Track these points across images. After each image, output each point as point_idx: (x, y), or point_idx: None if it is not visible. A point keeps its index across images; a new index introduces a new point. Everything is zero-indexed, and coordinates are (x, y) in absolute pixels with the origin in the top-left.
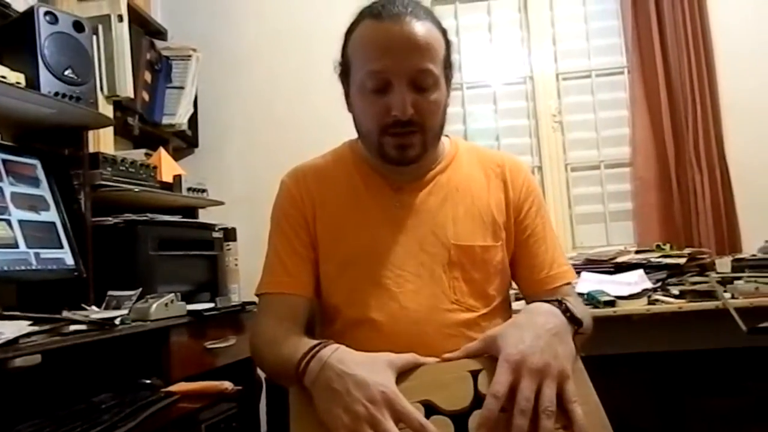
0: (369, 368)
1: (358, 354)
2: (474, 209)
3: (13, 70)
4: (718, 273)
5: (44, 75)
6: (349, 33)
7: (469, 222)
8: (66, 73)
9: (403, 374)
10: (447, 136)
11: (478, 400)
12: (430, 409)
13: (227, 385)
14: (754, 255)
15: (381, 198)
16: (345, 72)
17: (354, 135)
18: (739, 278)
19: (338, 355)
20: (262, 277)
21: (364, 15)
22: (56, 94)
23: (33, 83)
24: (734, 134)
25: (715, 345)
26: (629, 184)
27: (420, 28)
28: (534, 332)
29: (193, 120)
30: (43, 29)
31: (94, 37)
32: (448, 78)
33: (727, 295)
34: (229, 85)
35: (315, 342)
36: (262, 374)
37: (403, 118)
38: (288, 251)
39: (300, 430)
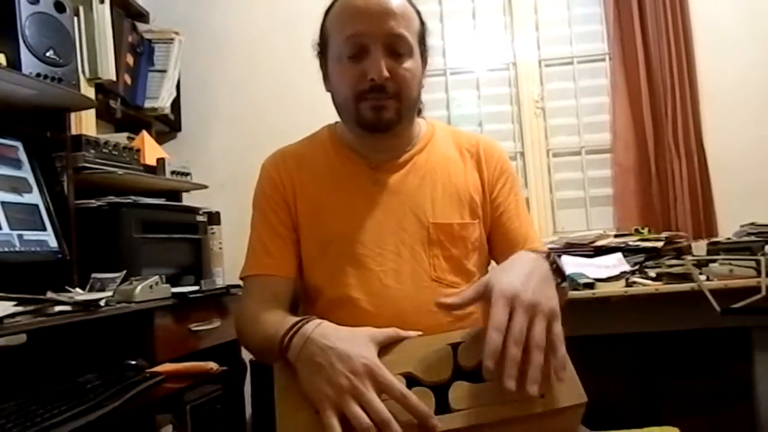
0: (351, 342)
1: (341, 328)
2: (451, 188)
3: None
4: (694, 256)
5: (26, 56)
6: (327, 12)
7: (447, 200)
8: (48, 54)
9: (385, 348)
10: (424, 118)
11: (457, 371)
12: (412, 381)
13: (212, 365)
14: (728, 238)
15: (360, 179)
16: (323, 50)
17: (335, 119)
18: (714, 261)
19: (321, 329)
20: (246, 260)
21: None
22: (38, 75)
23: (14, 64)
24: (712, 121)
25: (690, 326)
26: (609, 170)
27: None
28: (525, 273)
29: (176, 104)
30: (24, 9)
31: (75, 19)
32: (424, 55)
33: (702, 277)
34: (212, 69)
35: (298, 318)
36: (246, 357)
37: (379, 81)
38: (270, 234)
39: (284, 405)
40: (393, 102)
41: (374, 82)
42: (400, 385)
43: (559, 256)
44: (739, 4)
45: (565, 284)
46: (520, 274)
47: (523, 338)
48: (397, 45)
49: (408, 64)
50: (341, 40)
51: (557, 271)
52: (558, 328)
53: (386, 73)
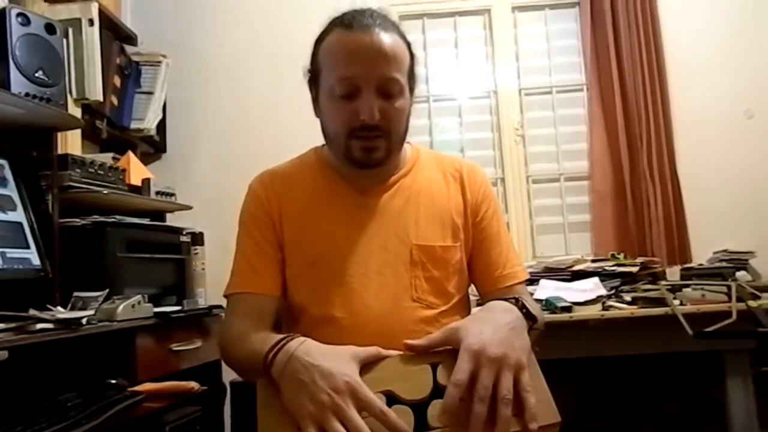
0: (334, 360)
1: (324, 346)
2: (434, 211)
3: None
4: (668, 281)
5: (15, 75)
6: (319, 41)
7: (430, 223)
8: (37, 74)
9: (366, 366)
10: (409, 143)
11: (436, 390)
12: (392, 399)
13: (193, 384)
14: (701, 264)
15: (345, 201)
16: (314, 78)
17: (322, 141)
18: (687, 286)
19: (304, 347)
20: (231, 277)
21: (334, 24)
22: (27, 94)
23: (3, 84)
24: (685, 148)
25: (665, 349)
26: (587, 197)
27: (388, 39)
28: (493, 326)
29: (162, 126)
30: (15, 30)
31: (65, 41)
32: (412, 88)
33: (676, 302)
34: (198, 91)
35: (281, 336)
36: (226, 379)
37: (370, 123)
38: (256, 252)
39: (266, 420)
40: (383, 141)
41: (365, 122)
42: (380, 402)
43: (538, 280)
44: (710, 35)
45: (537, 325)
46: (489, 327)
47: (489, 395)
48: (389, 87)
49: (399, 103)
50: (334, 79)
51: (528, 315)
52: (525, 379)
53: (377, 115)
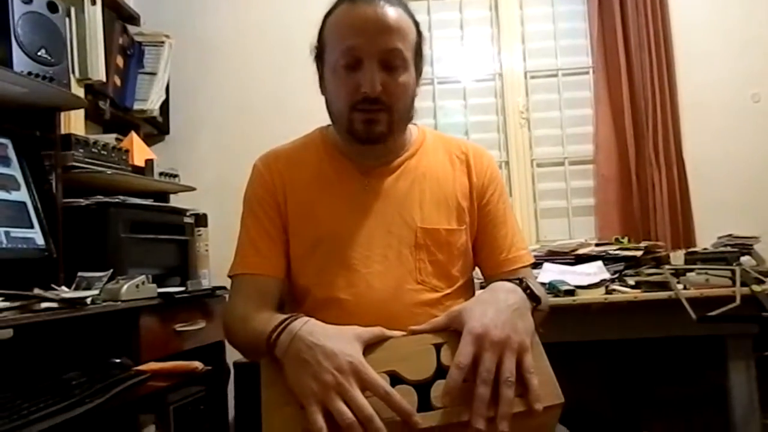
0: (337, 340)
1: (328, 326)
2: (440, 194)
3: None
4: (671, 265)
5: (17, 54)
6: (325, 18)
7: (435, 206)
8: (39, 53)
9: (370, 346)
10: (415, 124)
11: (440, 370)
12: (395, 379)
13: (197, 364)
14: (705, 249)
15: (350, 182)
16: (320, 55)
17: (325, 122)
18: (691, 270)
19: (308, 327)
20: (235, 258)
21: (341, 1)
22: (29, 73)
23: (6, 62)
24: (692, 133)
25: (667, 333)
26: (592, 180)
27: (392, 12)
28: (496, 308)
29: (165, 107)
30: (17, 8)
31: (67, 20)
32: (418, 67)
33: (680, 286)
34: (202, 72)
35: (285, 316)
36: (230, 360)
37: (371, 95)
38: (260, 233)
39: (270, 398)
40: (384, 115)
41: (367, 94)
42: (383, 382)
43: (541, 263)
44: (718, 19)
45: (541, 306)
46: (491, 309)
47: (492, 377)
48: (392, 59)
49: (402, 77)
50: (338, 51)
51: (532, 296)
52: (528, 360)
53: (379, 87)
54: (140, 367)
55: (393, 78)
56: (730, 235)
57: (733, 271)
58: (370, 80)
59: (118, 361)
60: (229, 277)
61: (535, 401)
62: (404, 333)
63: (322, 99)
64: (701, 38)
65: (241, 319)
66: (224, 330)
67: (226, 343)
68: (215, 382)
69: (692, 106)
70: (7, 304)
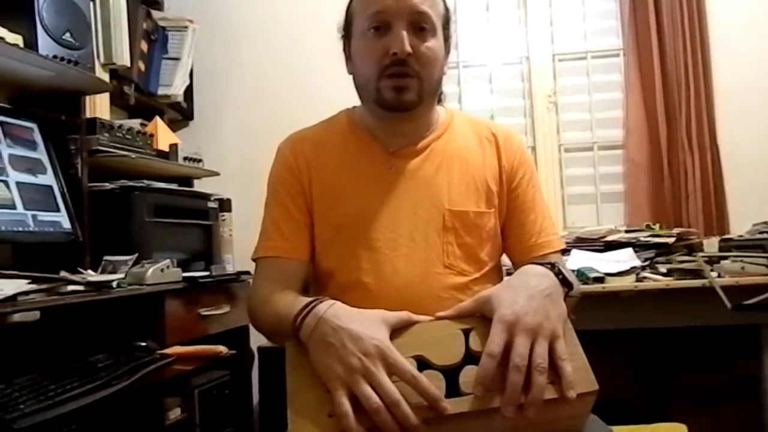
0: (363, 323)
1: (354, 310)
2: (468, 176)
3: (10, 32)
4: (705, 253)
5: (42, 38)
6: None
7: (464, 188)
8: (64, 36)
9: (396, 331)
10: (443, 106)
11: (468, 356)
12: (423, 364)
13: (222, 348)
14: (741, 236)
15: (376, 163)
16: (347, 31)
17: (350, 105)
18: (725, 258)
19: (334, 310)
20: (259, 241)
21: None
22: (54, 57)
23: (31, 46)
24: (726, 119)
25: (700, 322)
26: (621, 166)
27: None
28: (527, 293)
29: (189, 92)
30: None
31: (92, 4)
32: (447, 41)
33: (714, 274)
34: (225, 57)
35: (310, 299)
36: (254, 345)
37: (401, 56)
38: (284, 216)
39: (295, 382)
40: (414, 82)
41: (396, 56)
42: (410, 367)
43: (569, 250)
44: (756, 2)
45: (573, 292)
46: (523, 295)
47: (525, 363)
48: (421, 21)
49: (431, 42)
50: (365, 16)
51: (564, 282)
52: (561, 347)
53: (408, 48)
54: (165, 351)
55: (422, 42)
56: (766, 222)
57: None
58: (399, 41)
59: (143, 344)
60: (253, 260)
61: (568, 388)
62: (431, 318)
63: (346, 84)
64: (737, 18)
65: (265, 302)
66: (248, 313)
67: (251, 328)
68: (239, 367)
69: (727, 89)
70: (34, 286)
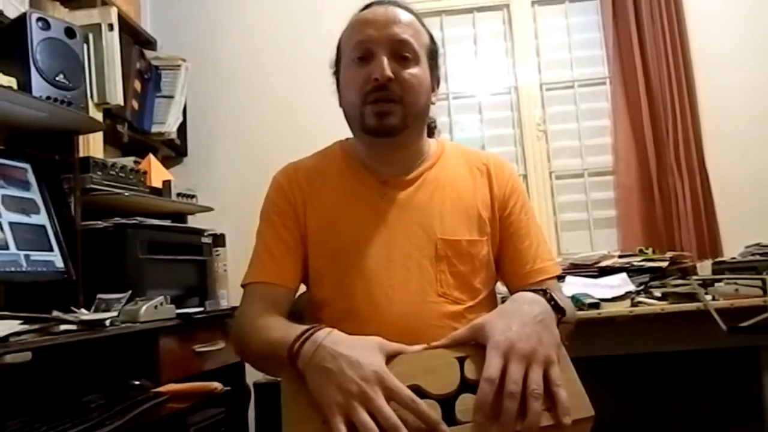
0: (361, 350)
1: (351, 337)
2: (460, 205)
3: (4, 74)
4: (699, 276)
5: (36, 79)
6: (343, 34)
7: (456, 217)
8: (57, 78)
9: (392, 360)
10: (435, 138)
11: (464, 384)
12: (418, 393)
13: (216, 385)
14: (733, 258)
15: (370, 193)
16: (338, 67)
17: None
18: (719, 280)
19: (332, 337)
20: (249, 267)
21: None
22: (48, 98)
23: (25, 88)
24: (713, 141)
25: (696, 346)
26: (612, 192)
27: (402, 10)
28: (520, 320)
29: (182, 129)
30: (36, 35)
31: (85, 45)
32: (434, 71)
33: (708, 297)
34: (218, 94)
35: (307, 326)
36: (250, 381)
37: (382, 80)
38: (276, 242)
39: (291, 415)
40: (398, 107)
41: (378, 81)
42: (408, 392)
43: (563, 276)
44: (736, 25)
45: (567, 318)
46: (515, 321)
47: (519, 390)
48: (403, 50)
49: (413, 69)
50: (350, 47)
51: (556, 308)
52: (555, 373)
53: (389, 73)
54: (159, 389)
55: (403, 68)
56: (758, 244)
57: (763, 281)
58: (380, 66)
59: (137, 383)
60: (243, 286)
61: (564, 414)
62: (425, 346)
63: (337, 118)
64: (719, 43)
65: (255, 328)
66: (234, 339)
67: (247, 364)
68: (235, 404)
69: (712, 113)
70: (26, 327)
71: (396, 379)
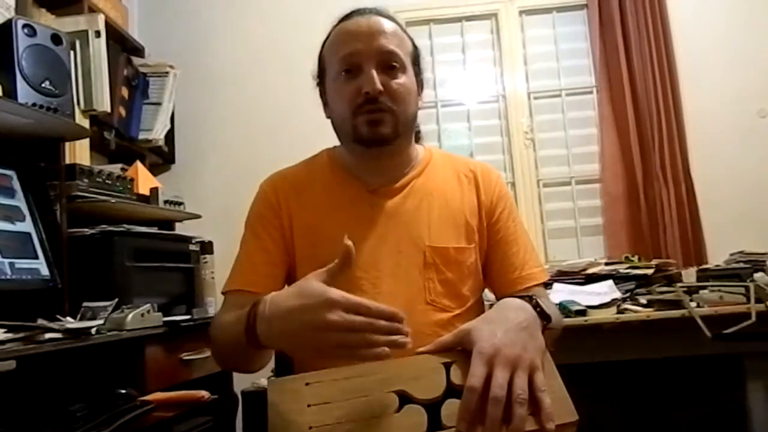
0: (299, 292)
1: (283, 292)
2: (448, 212)
3: None
4: (684, 283)
5: (21, 86)
6: (324, 43)
7: (443, 224)
8: (43, 84)
9: (376, 367)
10: (422, 145)
11: (450, 389)
12: (404, 399)
13: (203, 393)
14: (718, 265)
15: (358, 202)
16: (321, 79)
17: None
18: (704, 288)
19: (272, 306)
20: (230, 275)
21: (336, 25)
22: (33, 104)
23: (10, 94)
24: (698, 150)
25: (682, 352)
26: (599, 200)
27: (386, 20)
28: (505, 326)
29: (170, 136)
30: (21, 41)
31: (72, 53)
32: (419, 77)
33: (693, 304)
34: (206, 101)
35: (247, 309)
36: (238, 389)
37: (373, 94)
38: (258, 250)
39: (277, 417)
40: (389, 116)
41: (368, 95)
42: (365, 300)
43: (551, 284)
44: (720, 34)
45: (553, 324)
46: (501, 328)
47: (504, 395)
48: (390, 60)
49: (401, 79)
50: (336, 60)
51: (542, 314)
52: (539, 379)
53: (380, 86)
54: (146, 398)
55: (392, 79)
56: (742, 252)
57: (747, 288)
58: (371, 80)
59: (123, 391)
60: (223, 293)
61: (547, 420)
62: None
63: (326, 124)
64: (705, 54)
65: (220, 330)
66: (211, 346)
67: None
68: (223, 412)
69: (697, 122)
70: (10, 335)
71: (345, 293)
